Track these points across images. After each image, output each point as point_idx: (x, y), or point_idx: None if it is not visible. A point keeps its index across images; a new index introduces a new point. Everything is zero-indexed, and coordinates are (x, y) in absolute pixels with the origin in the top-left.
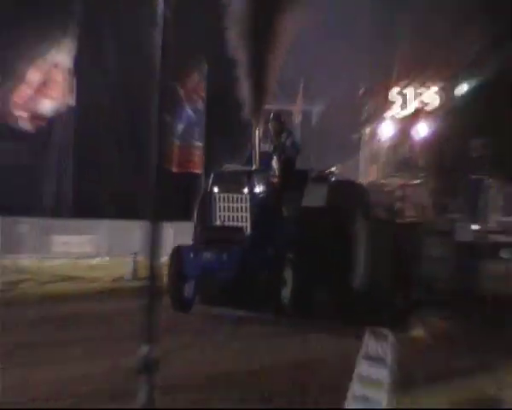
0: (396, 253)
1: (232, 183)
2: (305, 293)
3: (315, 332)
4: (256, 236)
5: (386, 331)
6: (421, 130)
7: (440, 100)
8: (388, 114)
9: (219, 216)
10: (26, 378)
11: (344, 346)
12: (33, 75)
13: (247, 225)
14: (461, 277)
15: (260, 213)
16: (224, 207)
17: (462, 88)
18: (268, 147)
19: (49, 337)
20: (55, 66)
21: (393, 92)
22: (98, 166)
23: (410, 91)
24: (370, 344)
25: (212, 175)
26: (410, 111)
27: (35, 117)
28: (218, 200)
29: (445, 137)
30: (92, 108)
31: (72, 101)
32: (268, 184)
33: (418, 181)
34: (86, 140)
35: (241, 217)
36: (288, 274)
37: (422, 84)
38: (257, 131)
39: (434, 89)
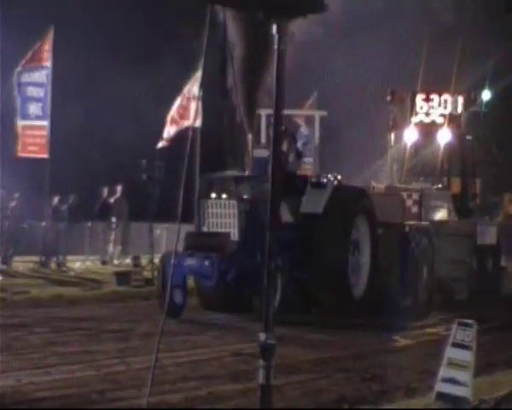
0: (403, 256)
1: (220, 188)
2: (294, 298)
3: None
4: (244, 242)
5: (471, 322)
6: (445, 136)
7: (463, 108)
8: (414, 120)
9: (207, 222)
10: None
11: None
12: (177, 102)
13: (234, 232)
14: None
15: (249, 219)
16: (212, 213)
17: (484, 97)
18: (265, 152)
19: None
20: (191, 94)
21: (419, 99)
22: None
23: (435, 99)
24: (458, 333)
25: (200, 181)
26: (434, 118)
27: (172, 138)
28: (206, 206)
29: (466, 143)
30: (214, 128)
31: (199, 123)
32: (260, 190)
33: (440, 185)
34: (211, 157)
35: (229, 223)
36: (277, 279)
37: (446, 93)
38: (249, 137)
39: (458, 97)
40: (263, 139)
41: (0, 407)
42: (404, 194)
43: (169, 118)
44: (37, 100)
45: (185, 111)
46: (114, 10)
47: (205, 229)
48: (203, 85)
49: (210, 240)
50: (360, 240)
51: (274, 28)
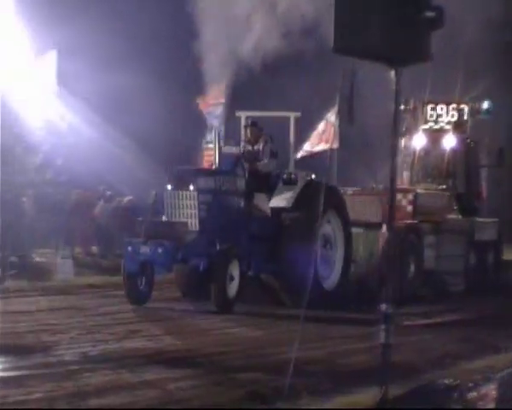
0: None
1: (183, 181)
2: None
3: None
4: (203, 232)
5: None
6: (451, 141)
7: (467, 116)
8: (423, 127)
9: (168, 212)
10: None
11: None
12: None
13: (192, 222)
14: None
15: (210, 211)
16: (174, 203)
17: (487, 106)
18: (235, 149)
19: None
20: (330, 121)
21: (429, 108)
22: None
23: (442, 108)
24: None
25: (167, 174)
26: (442, 125)
27: (313, 154)
28: (169, 197)
29: (471, 147)
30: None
31: (336, 145)
32: (223, 183)
33: (444, 186)
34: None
35: (190, 214)
36: (235, 270)
37: (453, 102)
38: (216, 132)
39: (463, 106)
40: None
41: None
42: (400, 195)
43: (314, 137)
44: None
45: (327, 135)
46: None
47: (164, 219)
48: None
49: (166, 228)
50: (332, 235)
51: (392, 73)
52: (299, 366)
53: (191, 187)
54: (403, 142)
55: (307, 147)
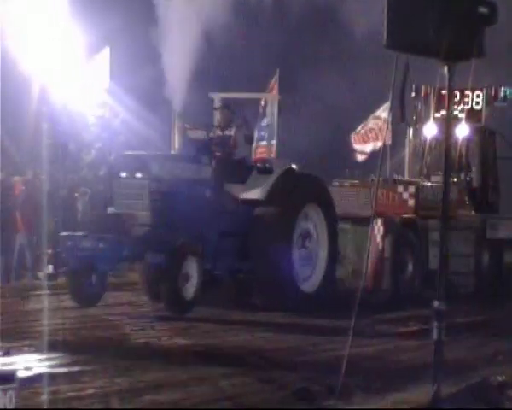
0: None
1: (133, 168)
2: (212, 287)
3: None
4: (156, 225)
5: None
6: (464, 130)
7: (483, 104)
8: (436, 115)
9: (118, 203)
10: None
11: None
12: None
13: (143, 214)
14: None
15: (164, 201)
16: (123, 193)
17: (504, 93)
18: (201, 134)
19: None
20: (381, 117)
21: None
22: None
23: (456, 95)
24: None
25: (113, 159)
26: (456, 113)
27: (365, 153)
28: (117, 186)
29: (487, 137)
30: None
31: (389, 141)
32: (185, 172)
33: (455, 180)
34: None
35: (141, 204)
36: (193, 268)
37: (467, 88)
38: (176, 116)
39: (478, 93)
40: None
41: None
42: (401, 187)
43: (363, 135)
44: None
45: (376, 132)
46: None
47: (115, 210)
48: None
49: (110, 221)
50: (314, 231)
51: (445, 69)
52: (350, 363)
53: (141, 175)
54: (411, 131)
55: (360, 147)
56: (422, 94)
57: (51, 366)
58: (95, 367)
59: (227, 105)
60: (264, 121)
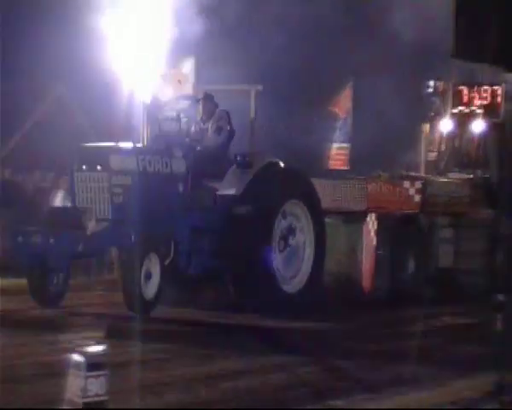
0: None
1: (93, 160)
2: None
3: None
4: (117, 220)
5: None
6: (482, 126)
7: (501, 99)
8: (454, 111)
9: (79, 197)
10: None
11: None
12: None
13: (103, 208)
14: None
15: (126, 196)
16: (85, 187)
17: None
18: (175, 125)
19: None
20: None
21: (460, 91)
22: None
23: (474, 90)
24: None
25: (73, 151)
26: (474, 108)
27: None
28: (77, 179)
29: (504, 134)
30: None
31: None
32: (153, 165)
33: (471, 176)
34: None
35: (101, 199)
36: (154, 266)
37: (484, 85)
38: (142, 107)
39: (496, 88)
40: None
41: None
42: (407, 183)
43: None
44: None
45: None
46: None
47: (74, 204)
48: None
49: (64, 216)
50: (299, 228)
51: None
52: (416, 354)
53: (100, 167)
54: (428, 127)
55: None
56: (440, 90)
57: (137, 354)
58: (180, 355)
59: (208, 96)
60: (338, 125)
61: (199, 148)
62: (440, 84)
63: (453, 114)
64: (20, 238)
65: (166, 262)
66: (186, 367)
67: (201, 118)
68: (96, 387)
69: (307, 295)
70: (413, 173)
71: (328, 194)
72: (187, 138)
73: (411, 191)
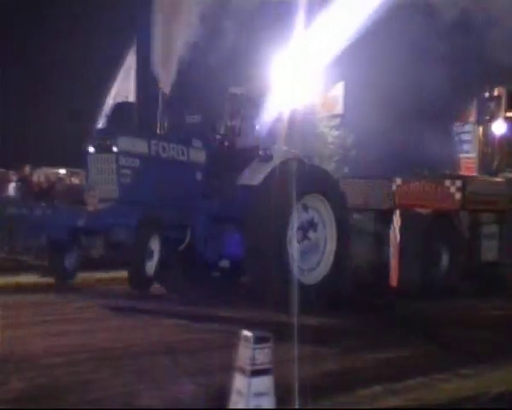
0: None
1: (105, 142)
2: (173, 266)
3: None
4: (122, 201)
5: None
6: None
7: None
8: (507, 114)
9: (92, 178)
10: None
11: None
12: None
13: (111, 188)
14: None
15: (135, 177)
16: (97, 168)
17: None
18: (197, 118)
19: None
20: None
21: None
22: None
23: None
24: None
25: (89, 133)
26: None
27: None
28: (90, 160)
29: None
30: None
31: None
32: (167, 152)
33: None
34: None
35: (109, 179)
36: (155, 244)
37: None
38: (160, 94)
39: None
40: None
41: None
42: (448, 181)
43: None
44: None
45: None
46: None
47: (91, 185)
48: None
49: (70, 195)
50: (320, 223)
51: None
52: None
53: (108, 148)
54: (480, 129)
55: None
56: (496, 94)
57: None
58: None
59: (234, 95)
60: (466, 137)
61: (227, 143)
62: (496, 89)
63: (506, 118)
64: (21, 210)
65: (182, 247)
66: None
67: (228, 115)
68: (263, 356)
69: (327, 288)
70: (455, 173)
71: (357, 192)
72: (207, 131)
73: (452, 189)
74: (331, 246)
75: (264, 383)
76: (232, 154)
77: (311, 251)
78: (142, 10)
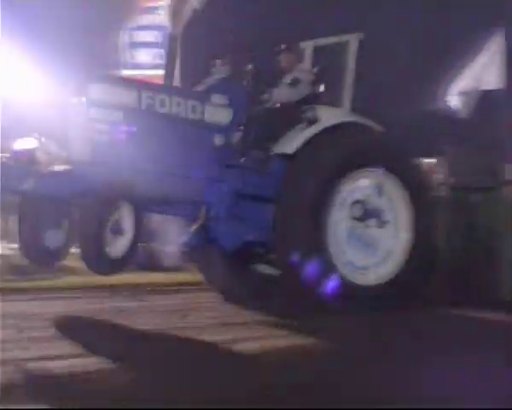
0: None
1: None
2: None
3: None
4: (93, 162)
5: None
6: None
7: None
8: None
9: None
10: None
11: None
12: None
13: (81, 149)
14: None
15: (110, 135)
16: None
17: None
18: (223, 70)
19: None
20: None
21: None
22: None
23: None
24: None
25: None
26: None
27: None
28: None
29: None
30: None
31: None
32: (168, 106)
33: None
34: None
35: (80, 136)
36: (125, 219)
37: None
38: (176, 42)
39: None
40: None
41: None
42: None
43: None
44: None
45: None
46: None
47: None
48: None
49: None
50: (385, 207)
51: None
52: None
53: (77, 99)
54: None
55: None
56: None
57: None
58: None
59: (289, 47)
60: None
61: (267, 100)
62: None
63: None
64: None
65: (194, 228)
66: None
67: (281, 70)
68: None
69: (389, 292)
70: None
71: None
72: (234, 85)
73: None
74: (403, 237)
75: None
76: (269, 115)
77: (370, 245)
78: None
